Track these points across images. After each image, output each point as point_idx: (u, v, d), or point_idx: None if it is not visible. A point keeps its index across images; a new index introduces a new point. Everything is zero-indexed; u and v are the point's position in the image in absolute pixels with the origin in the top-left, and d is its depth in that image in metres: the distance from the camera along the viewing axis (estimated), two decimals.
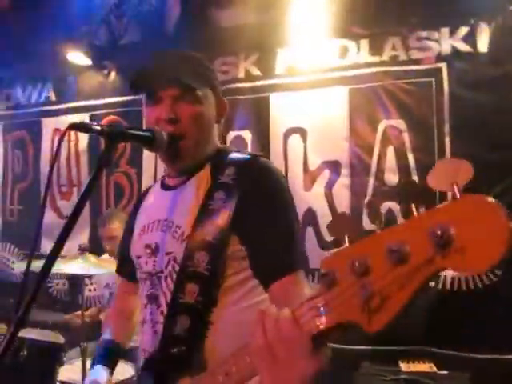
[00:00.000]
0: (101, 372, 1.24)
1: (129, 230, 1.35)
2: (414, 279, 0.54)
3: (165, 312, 1.10)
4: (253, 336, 0.66)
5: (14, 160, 4.23)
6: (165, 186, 1.27)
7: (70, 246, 3.60)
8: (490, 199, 0.51)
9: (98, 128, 0.99)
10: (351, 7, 3.01)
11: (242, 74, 3.38)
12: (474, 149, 2.77)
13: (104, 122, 3.78)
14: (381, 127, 2.99)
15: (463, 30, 2.87)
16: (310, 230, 3.12)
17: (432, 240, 0.52)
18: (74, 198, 3.92)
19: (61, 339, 2.54)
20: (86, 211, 3.76)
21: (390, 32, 3.00)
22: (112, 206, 3.77)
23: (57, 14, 3.55)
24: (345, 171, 3.07)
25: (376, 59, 3.02)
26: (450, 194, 0.55)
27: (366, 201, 2.99)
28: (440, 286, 2.79)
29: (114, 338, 1.34)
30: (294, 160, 3.22)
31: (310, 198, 3.14)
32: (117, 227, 3.03)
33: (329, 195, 3.10)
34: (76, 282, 3.08)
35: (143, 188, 3.60)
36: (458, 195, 0.53)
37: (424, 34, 2.94)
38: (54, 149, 4.06)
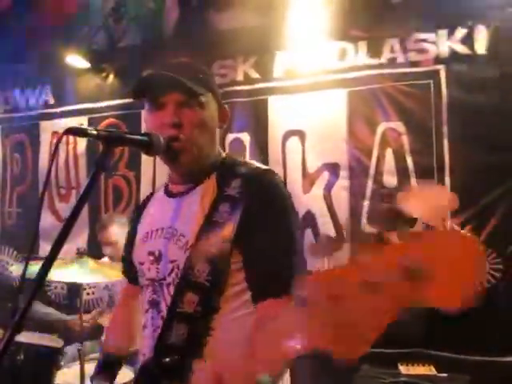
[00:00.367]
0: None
1: (132, 234, 1.35)
2: (385, 311, 0.55)
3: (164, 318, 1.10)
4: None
5: (12, 163, 4.22)
6: (168, 193, 1.27)
7: (69, 248, 3.59)
8: (462, 233, 0.52)
9: (95, 132, 0.99)
10: (349, 10, 3.01)
11: (240, 77, 3.38)
12: (472, 151, 2.78)
13: (102, 125, 3.78)
14: (379, 129, 2.99)
15: (461, 32, 2.87)
16: (308, 232, 3.11)
17: (405, 273, 0.53)
18: (73, 201, 3.92)
19: (59, 343, 2.53)
20: (85, 214, 3.76)
21: (389, 34, 3.00)
22: (111, 209, 3.76)
23: (55, 17, 3.55)
24: (344, 173, 3.07)
25: (374, 61, 3.02)
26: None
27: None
28: None
29: (116, 347, 1.36)
30: (293, 162, 3.22)
31: (308, 200, 3.14)
32: (116, 232, 3.02)
33: (328, 197, 3.10)
34: (74, 285, 3.07)
35: (142, 191, 3.60)
36: (441, 226, 0.54)
37: (422, 36, 2.94)
38: (52, 152, 4.06)
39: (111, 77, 3.81)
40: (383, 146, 2.98)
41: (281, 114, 3.27)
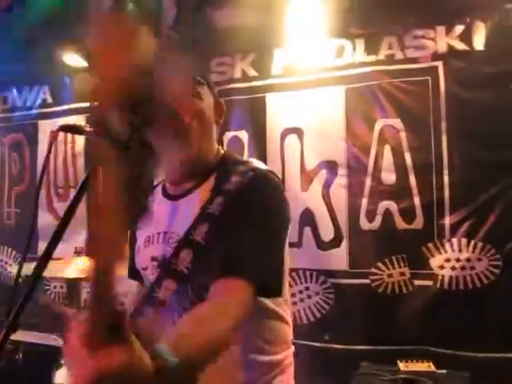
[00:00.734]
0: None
1: (133, 238, 1.32)
2: None
3: None
4: None
5: (10, 163, 4.21)
6: (167, 195, 1.25)
7: (67, 248, 3.59)
8: None
9: (91, 129, 0.98)
10: (347, 7, 3.00)
11: (238, 75, 3.37)
12: (471, 147, 2.77)
13: None
14: (378, 126, 2.98)
15: (459, 29, 2.86)
16: (307, 230, 3.11)
17: None
18: (70, 200, 3.91)
19: (59, 342, 2.53)
20: (83, 213, 3.74)
21: (386, 31, 2.99)
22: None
23: (53, 16, 3.54)
24: (342, 171, 3.06)
25: (372, 58, 3.02)
26: None
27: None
28: (438, 286, 2.78)
29: None
30: (291, 160, 3.22)
31: (307, 198, 3.13)
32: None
33: (326, 195, 3.09)
34: (74, 284, 3.06)
35: None
36: None
37: (420, 32, 2.93)
38: (47, 151, 4.05)
39: None
40: (381, 143, 2.97)
41: (279, 112, 3.26)
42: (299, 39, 3.14)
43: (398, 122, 2.94)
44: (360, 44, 3.05)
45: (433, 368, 2.44)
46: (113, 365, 0.53)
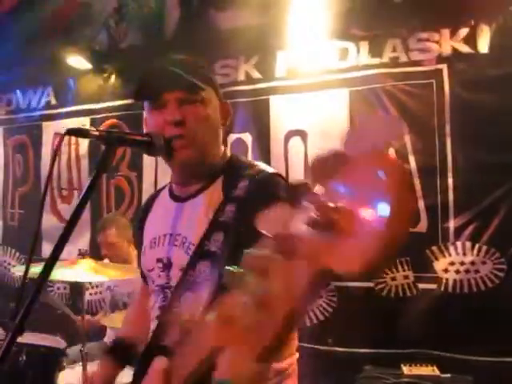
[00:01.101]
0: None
1: (138, 238, 1.32)
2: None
3: None
4: None
5: (14, 164, 4.23)
6: (173, 196, 1.24)
7: (71, 249, 3.61)
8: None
9: (97, 133, 0.99)
10: (351, 9, 3.01)
11: (242, 77, 3.37)
12: (475, 150, 2.76)
13: (104, 125, 3.78)
14: None
15: (463, 31, 2.86)
16: None
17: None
18: (75, 202, 3.92)
19: (61, 343, 2.53)
20: (87, 215, 3.76)
21: (390, 33, 2.99)
22: (113, 210, 3.76)
23: (57, 19, 3.56)
24: None
25: (376, 61, 3.01)
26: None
27: None
28: (442, 289, 2.77)
29: (129, 335, 1.34)
30: (295, 162, 3.21)
31: None
32: (114, 233, 3.02)
33: None
34: (77, 286, 3.07)
35: (144, 192, 3.60)
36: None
37: (424, 35, 2.92)
38: (53, 155, 4.07)
39: (113, 77, 3.81)
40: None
41: (283, 114, 3.26)
42: (303, 41, 3.14)
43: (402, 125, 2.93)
44: (364, 46, 3.05)
45: (437, 372, 2.43)
46: None
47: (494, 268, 2.71)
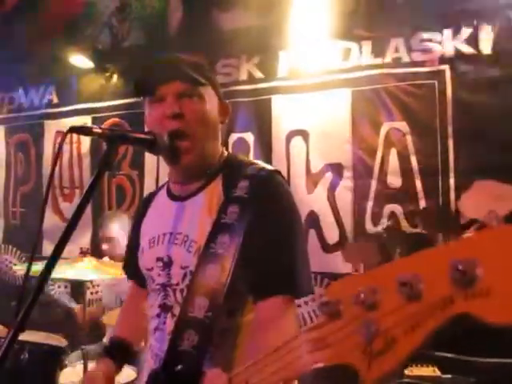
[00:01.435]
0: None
1: (135, 237, 1.32)
2: (426, 322, 0.46)
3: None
4: None
5: (16, 163, 4.23)
6: (171, 195, 1.23)
7: (72, 248, 3.60)
8: None
9: (99, 131, 0.98)
10: (353, 9, 3.00)
11: (244, 77, 3.37)
12: (477, 151, 2.76)
13: (106, 124, 3.78)
14: (384, 130, 2.98)
15: (466, 32, 2.85)
16: (312, 233, 3.10)
17: (452, 276, 0.45)
18: (76, 201, 3.93)
19: (62, 342, 2.53)
20: (88, 214, 3.77)
21: (393, 34, 2.99)
22: (114, 208, 3.77)
23: (59, 18, 3.56)
24: (347, 174, 3.06)
25: (379, 61, 3.01)
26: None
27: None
28: None
29: (125, 336, 1.33)
30: (297, 162, 3.21)
31: (312, 200, 3.13)
32: (116, 229, 3.02)
33: (331, 198, 3.09)
34: (78, 284, 3.07)
35: (145, 190, 3.60)
36: (493, 224, 0.47)
37: (427, 35, 2.92)
38: (56, 152, 4.07)
39: (115, 76, 3.82)
40: (387, 146, 2.96)
41: (284, 114, 3.26)
42: (305, 41, 3.14)
43: (404, 126, 2.93)
44: (367, 47, 3.05)
45: (438, 373, 2.43)
46: None
47: None
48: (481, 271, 0.43)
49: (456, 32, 2.88)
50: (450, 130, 2.84)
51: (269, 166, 1.19)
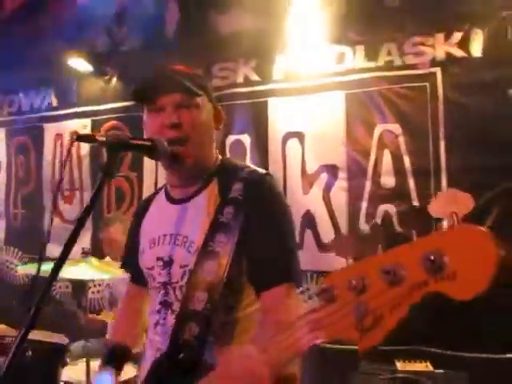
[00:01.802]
0: (107, 377, 1.29)
1: (134, 237, 1.38)
2: (406, 300, 0.60)
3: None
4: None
5: (17, 165, 4.29)
6: (170, 198, 1.30)
7: (74, 249, 3.64)
8: (483, 229, 0.55)
9: (103, 139, 1.04)
10: (347, 14, 3.07)
11: (240, 79, 3.44)
12: (468, 152, 2.83)
13: (105, 127, 3.84)
14: (377, 131, 3.05)
15: (457, 36, 2.92)
16: (308, 233, 3.17)
17: (426, 264, 0.57)
18: (77, 202, 3.98)
19: (64, 340, 2.59)
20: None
21: (386, 38, 3.05)
22: (113, 209, 3.82)
23: (59, 22, 3.62)
24: (342, 174, 3.13)
25: (372, 65, 3.08)
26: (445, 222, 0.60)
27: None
28: None
29: (123, 340, 1.40)
30: (293, 164, 3.28)
31: (308, 200, 3.19)
32: (117, 230, 3.08)
33: (326, 198, 3.15)
34: (79, 284, 3.13)
35: (144, 192, 3.66)
36: (455, 224, 0.58)
37: (419, 39, 2.99)
38: (57, 155, 4.12)
39: (113, 80, 3.87)
40: (381, 148, 3.03)
41: (280, 116, 3.33)
42: (300, 45, 3.21)
43: (396, 127, 3.00)
44: (360, 50, 3.12)
45: (430, 368, 2.50)
46: None
47: None
48: (447, 259, 0.56)
49: (448, 36, 2.94)
50: (441, 131, 2.91)
51: (261, 169, 1.26)
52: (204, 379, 0.90)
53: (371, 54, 3.08)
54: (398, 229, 2.96)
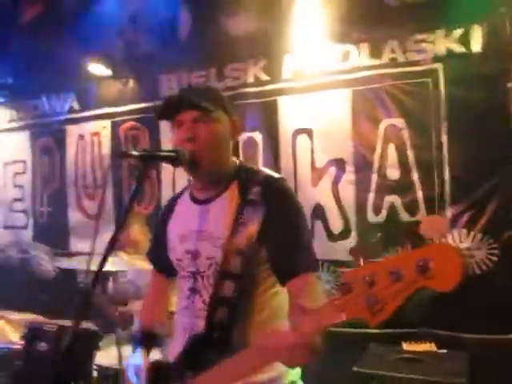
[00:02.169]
0: (139, 357, 1.50)
1: (161, 232, 1.58)
2: (404, 293, 0.87)
3: (206, 303, 1.35)
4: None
5: (42, 165, 4.53)
6: (194, 199, 1.49)
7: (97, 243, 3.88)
8: (454, 246, 0.96)
9: (136, 154, 1.24)
10: (351, 14, 3.20)
11: (251, 79, 3.60)
12: (469, 144, 2.96)
13: (123, 127, 4.05)
14: (382, 126, 3.20)
15: (458, 32, 3.03)
16: (318, 224, 3.35)
17: (417, 268, 0.84)
18: (98, 198, 4.21)
19: (95, 327, 2.80)
20: (111, 211, 4.06)
21: (389, 36, 3.18)
22: (134, 206, 4.03)
23: (78, 29, 3.81)
24: (349, 168, 3.29)
25: (376, 62, 3.22)
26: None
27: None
28: None
29: (150, 325, 1.61)
30: (302, 158, 3.45)
31: (317, 193, 3.37)
32: (136, 231, 3.27)
33: (335, 191, 3.32)
34: (105, 275, 3.33)
35: (163, 188, 3.86)
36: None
37: (421, 36, 3.10)
38: (79, 155, 4.32)
39: (131, 82, 4.06)
40: (386, 142, 3.18)
41: (290, 114, 3.49)
42: (308, 45, 3.36)
43: (401, 122, 3.15)
44: (364, 49, 3.25)
45: (434, 348, 2.68)
46: None
47: (488, 253, 2.92)
48: (431, 265, 0.83)
49: (448, 32, 3.05)
50: (444, 125, 3.04)
51: (275, 174, 1.47)
52: (248, 350, 1.15)
53: (375, 52, 3.22)
54: (403, 219, 3.12)
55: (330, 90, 3.34)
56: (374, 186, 3.22)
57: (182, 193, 1.61)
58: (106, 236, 3.83)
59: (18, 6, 4.20)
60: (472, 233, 2.95)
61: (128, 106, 4.07)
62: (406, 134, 3.14)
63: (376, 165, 3.21)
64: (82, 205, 4.29)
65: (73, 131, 4.35)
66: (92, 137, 4.25)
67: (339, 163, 3.32)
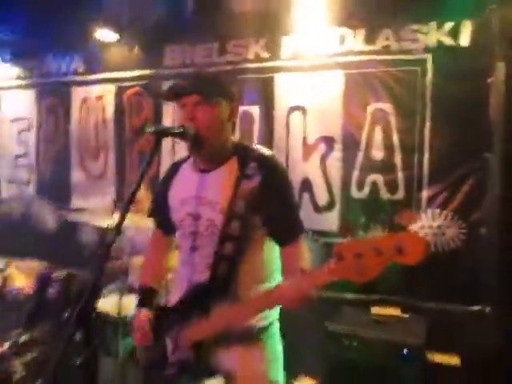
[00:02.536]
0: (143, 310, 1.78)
1: (163, 194, 1.81)
2: (383, 264, 1.16)
3: (209, 260, 1.62)
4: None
5: (47, 124, 4.71)
6: (196, 168, 1.72)
7: (97, 202, 4.19)
8: (419, 236, 1.17)
9: (151, 130, 1.48)
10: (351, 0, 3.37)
11: (251, 56, 3.78)
12: (450, 132, 3.19)
13: (129, 93, 4.24)
14: (370, 109, 3.42)
15: (449, 25, 3.22)
16: (306, 196, 3.61)
17: (394, 248, 1.13)
18: (101, 159, 4.43)
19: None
20: (112, 172, 4.30)
21: (384, 24, 3.36)
22: (135, 170, 4.26)
23: None
24: (338, 146, 3.53)
25: (370, 48, 3.41)
26: None
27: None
28: None
29: (152, 282, 1.88)
30: (295, 134, 3.68)
31: (307, 168, 3.62)
32: (142, 191, 3.51)
33: (323, 166, 3.57)
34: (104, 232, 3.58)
35: (163, 154, 4.08)
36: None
37: (414, 27, 3.28)
38: (83, 117, 4.51)
39: (137, 49, 4.21)
40: (373, 124, 3.41)
41: (286, 91, 3.70)
42: (306, 27, 3.53)
43: (388, 107, 3.37)
44: (360, 34, 3.44)
45: (398, 312, 3.00)
46: None
47: (458, 232, 3.21)
48: (404, 247, 1.12)
49: (440, 25, 3.24)
50: (428, 112, 3.27)
51: (268, 151, 1.71)
52: (258, 295, 1.53)
53: (370, 39, 3.40)
54: (384, 196, 3.39)
55: (324, 71, 3.54)
56: (359, 164, 3.47)
57: (185, 160, 1.84)
58: (107, 196, 4.12)
59: None
60: (444, 212, 3.23)
61: (132, 71, 4.23)
62: (392, 118, 3.36)
63: (363, 145, 3.45)
64: (84, 165, 4.51)
65: (78, 93, 4.51)
66: (97, 101, 4.43)
67: (329, 141, 3.55)
